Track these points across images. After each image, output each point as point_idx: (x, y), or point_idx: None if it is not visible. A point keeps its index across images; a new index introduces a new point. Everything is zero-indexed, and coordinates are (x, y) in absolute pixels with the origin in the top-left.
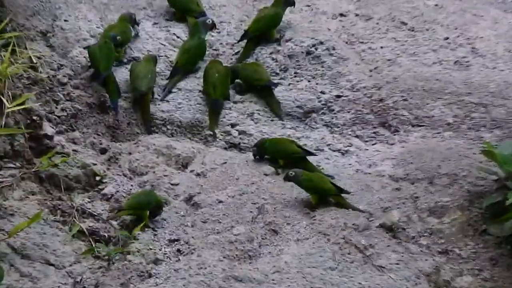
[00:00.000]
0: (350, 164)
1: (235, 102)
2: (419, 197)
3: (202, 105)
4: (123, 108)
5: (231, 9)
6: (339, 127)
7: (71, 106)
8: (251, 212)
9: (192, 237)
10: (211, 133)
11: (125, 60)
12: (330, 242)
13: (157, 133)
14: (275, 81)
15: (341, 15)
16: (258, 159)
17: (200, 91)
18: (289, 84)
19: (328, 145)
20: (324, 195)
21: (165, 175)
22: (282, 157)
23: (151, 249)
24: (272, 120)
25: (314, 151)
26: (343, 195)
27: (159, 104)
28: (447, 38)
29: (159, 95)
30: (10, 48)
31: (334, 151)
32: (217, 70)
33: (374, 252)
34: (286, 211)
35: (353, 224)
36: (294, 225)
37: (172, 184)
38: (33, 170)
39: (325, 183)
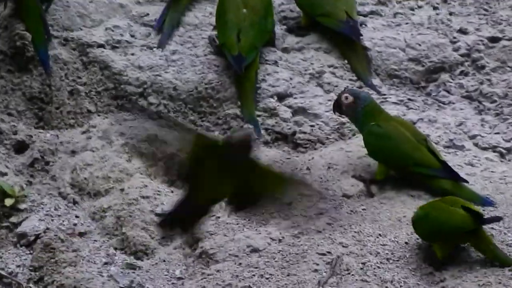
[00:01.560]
0: None
1: (285, 51)
2: None
3: (219, 56)
4: (63, 61)
5: None
6: (495, 101)
7: None
8: (315, 271)
9: None
10: (247, 121)
11: None
12: None
13: (128, 111)
14: (362, 18)
15: None
16: None
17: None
18: (395, 15)
19: (473, 137)
20: (455, 238)
21: (144, 196)
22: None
23: None
24: (360, 87)
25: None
26: (487, 227)
27: (133, 55)
28: None
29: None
30: None
31: (484, 149)
32: None
33: None
34: (387, 271)
35: None
36: None
37: (159, 215)
38: None
39: (451, 214)
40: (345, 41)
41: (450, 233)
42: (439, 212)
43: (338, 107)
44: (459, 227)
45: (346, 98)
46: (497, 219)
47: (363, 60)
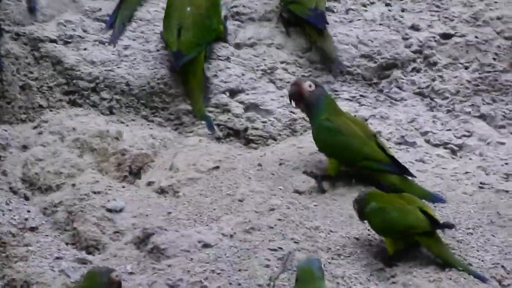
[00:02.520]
0: (467, 173)
1: (238, 46)
2: None
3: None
4: (14, 56)
5: None
6: (447, 98)
7: None
8: (267, 267)
9: None
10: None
11: None
12: None
13: (80, 106)
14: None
15: None
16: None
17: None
18: (347, 11)
19: (425, 133)
20: (408, 237)
21: (95, 192)
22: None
23: None
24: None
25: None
26: (441, 232)
27: (86, 50)
28: None
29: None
30: None
31: (436, 146)
32: None
33: None
34: (338, 267)
35: None
36: None
37: (110, 210)
38: None
39: (409, 213)
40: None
41: (404, 232)
42: (396, 208)
43: (299, 95)
44: (414, 227)
45: (310, 85)
46: (451, 226)
47: (328, 46)
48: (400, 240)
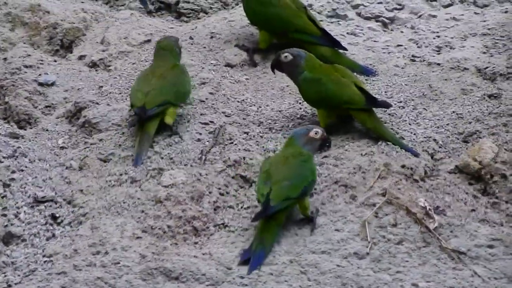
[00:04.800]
0: (399, 46)
1: None
2: None
3: None
4: None
5: None
6: None
7: None
8: (198, 140)
9: (81, 191)
10: None
11: None
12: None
13: None
14: None
15: None
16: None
17: None
18: None
19: (356, 7)
20: (342, 110)
21: (27, 66)
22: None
23: None
24: None
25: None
26: (377, 110)
27: None
28: None
29: None
30: None
31: (367, 18)
32: None
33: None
34: (269, 141)
35: (405, 168)
36: None
37: (42, 85)
38: None
39: (344, 87)
40: None
41: (339, 106)
42: (331, 81)
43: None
44: (350, 102)
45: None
46: (388, 105)
47: None
48: (333, 112)
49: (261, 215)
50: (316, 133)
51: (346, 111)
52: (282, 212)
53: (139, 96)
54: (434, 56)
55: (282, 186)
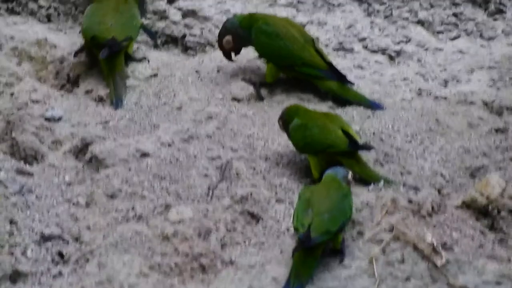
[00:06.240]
0: (406, 79)
1: None
2: None
3: None
4: None
5: None
6: (384, 3)
7: None
8: (205, 176)
9: (88, 227)
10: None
11: None
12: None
13: (19, 14)
14: None
15: None
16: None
17: None
18: None
19: (363, 40)
20: (328, 156)
21: (34, 101)
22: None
23: None
24: None
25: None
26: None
27: None
28: None
29: None
30: None
31: (374, 51)
32: None
33: None
34: (277, 176)
35: (412, 203)
36: (292, 202)
37: (49, 120)
38: None
39: (329, 131)
40: None
41: (322, 150)
42: (316, 126)
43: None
44: (332, 146)
45: (228, 42)
46: (370, 147)
47: None
48: (323, 161)
49: (302, 246)
50: (351, 176)
51: (333, 156)
52: (320, 245)
53: (105, 28)
54: (440, 89)
55: (324, 218)
